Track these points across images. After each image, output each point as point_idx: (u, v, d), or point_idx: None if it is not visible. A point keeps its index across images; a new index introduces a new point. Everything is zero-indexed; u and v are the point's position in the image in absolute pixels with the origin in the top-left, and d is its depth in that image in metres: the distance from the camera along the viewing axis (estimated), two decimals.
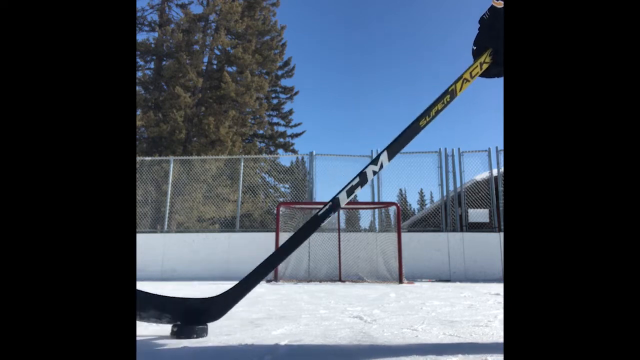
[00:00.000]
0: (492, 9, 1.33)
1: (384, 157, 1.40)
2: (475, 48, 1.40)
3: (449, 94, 1.35)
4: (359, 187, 1.41)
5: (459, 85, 1.36)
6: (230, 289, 1.43)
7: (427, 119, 1.35)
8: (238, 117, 16.33)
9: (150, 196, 8.84)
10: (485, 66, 1.39)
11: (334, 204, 1.41)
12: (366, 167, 1.40)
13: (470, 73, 1.38)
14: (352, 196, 1.42)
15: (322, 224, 1.45)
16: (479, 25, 1.40)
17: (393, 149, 1.39)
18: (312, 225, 1.42)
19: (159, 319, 1.41)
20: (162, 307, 1.39)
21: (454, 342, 1.35)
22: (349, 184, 1.40)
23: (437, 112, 1.35)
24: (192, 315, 1.42)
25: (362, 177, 1.41)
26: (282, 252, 1.45)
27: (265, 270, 1.43)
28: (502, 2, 1.28)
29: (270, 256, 1.44)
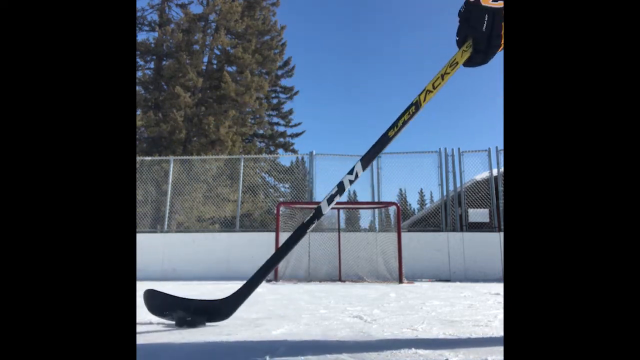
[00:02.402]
0: (467, 2, 1.43)
1: (358, 167, 1.54)
2: (457, 39, 1.52)
3: (414, 106, 1.49)
4: (338, 196, 1.55)
5: (422, 96, 1.49)
6: (237, 290, 1.67)
7: (395, 129, 1.49)
8: (238, 117, 16.34)
9: (150, 196, 8.84)
10: (465, 54, 1.49)
11: (317, 213, 1.55)
12: (343, 177, 1.56)
13: (433, 84, 1.51)
14: (333, 204, 1.55)
15: (312, 227, 1.60)
16: (459, 19, 1.50)
17: (366, 158, 1.53)
18: (300, 232, 1.55)
19: (184, 318, 1.67)
20: (188, 309, 1.69)
21: (454, 342, 1.35)
22: (329, 194, 1.55)
23: (404, 123, 1.49)
24: (212, 314, 1.72)
25: (340, 187, 1.55)
26: (277, 256, 1.60)
27: (264, 273, 1.59)
28: None
29: (269, 259, 1.59)
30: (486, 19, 1.39)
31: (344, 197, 9.63)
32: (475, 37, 1.46)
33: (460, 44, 1.51)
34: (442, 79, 1.51)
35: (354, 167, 1.54)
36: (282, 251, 1.58)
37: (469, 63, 1.52)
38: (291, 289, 4.40)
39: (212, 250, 7.60)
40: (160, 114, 15.38)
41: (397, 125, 1.50)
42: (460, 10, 1.49)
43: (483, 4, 1.36)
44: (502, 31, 1.38)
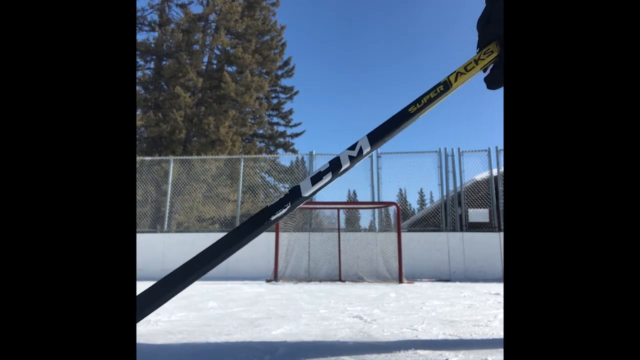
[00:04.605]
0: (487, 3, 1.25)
1: (363, 142, 1.13)
2: (478, 50, 1.30)
3: (442, 85, 1.21)
4: (330, 175, 1.11)
5: (452, 77, 1.23)
6: (154, 285, 1.03)
7: (418, 106, 1.18)
8: (238, 117, 16.34)
9: (150, 196, 8.84)
10: (487, 57, 1.24)
11: (293, 193, 1.10)
12: (341, 152, 1.14)
13: (465, 67, 1.25)
14: (320, 185, 1.11)
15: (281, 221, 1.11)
16: (477, 27, 1.30)
17: (376, 135, 1.15)
18: (261, 219, 1.04)
19: None
20: None
21: (454, 342, 1.35)
22: (317, 170, 1.12)
23: (430, 100, 1.19)
24: None
25: (334, 163, 1.12)
26: (218, 249, 1.07)
27: (195, 274, 1.05)
28: None
29: (201, 253, 1.09)
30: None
31: (343, 197, 9.62)
32: (500, 33, 1.21)
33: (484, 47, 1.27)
34: (476, 64, 1.24)
35: (357, 142, 1.14)
36: (228, 241, 1.07)
37: (493, 76, 1.26)
38: (291, 289, 4.40)
39: None
40: (160, 114, 15.38)
41: (420, 102, 1.18)
42: (479, 19, 1.29)
43: None
44: None
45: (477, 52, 1.26)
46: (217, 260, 1.06)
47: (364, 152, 1.12)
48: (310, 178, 1.11)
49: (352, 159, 1.12)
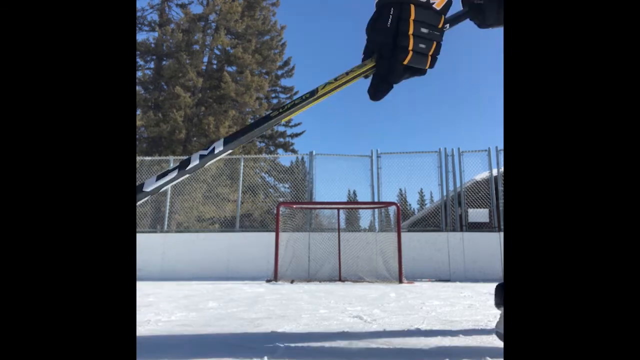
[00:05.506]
0: (376, 5, 1.13)
1: (217, 143, 1.10)
2: (363, 57, 1.19)
3: (309, 92, 1.16)
4: (175, 171, 1.08)
5: (321, 86, 1.16)
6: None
7: (280, 111, 1.14)
8: (238, 117, 16.34)
9: (150, 196, 8.84)
10: (359, 69, 1.16)
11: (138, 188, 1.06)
12: (194, 153, 1.12)
13: (335, 78, 1.17)
14: (162, 181, 1.05)
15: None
16: (366, 33, 1.17)
17: (231, 137, 1.13)
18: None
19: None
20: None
21: (454, 342, 1.35)
22: (165, 170, 1.10)
23: (293, 105, 1.15)
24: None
25: (183, 164, 1.08)
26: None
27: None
28: None
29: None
30: (392, 12, 1.06)
31: (343, 197, 9.62)
32: (381, 44, 1.10)
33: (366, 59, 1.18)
34: (347, 75, 1.16)
35: (212, 144, 1.09)
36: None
37: (376, 84, 1.14)
38: (291, 289, 4.40)
39: (211, 250, 7.60)
40: (160, 114, 15.38)
41: (283, 107, 1.16)
42: (367, 24, 1.15)
43: None
44: (410, 30, 1.04)
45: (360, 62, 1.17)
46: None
47: (216, 152, 1.09)
48: (157, 176, 1.08)
49: (203, 157, 1.10)
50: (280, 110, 1.13)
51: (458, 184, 8.02)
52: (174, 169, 1.08)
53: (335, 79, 1.17)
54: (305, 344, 1.35)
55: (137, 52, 16.29)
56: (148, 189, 1.08)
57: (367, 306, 2.57)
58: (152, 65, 17.00)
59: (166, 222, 8.28)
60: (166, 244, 7.79)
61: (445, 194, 8.02)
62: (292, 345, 1.33)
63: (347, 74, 1.17)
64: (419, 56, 1.08)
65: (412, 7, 1.03)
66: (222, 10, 16.63)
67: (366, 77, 1.17)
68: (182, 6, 17.48)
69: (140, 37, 17.38)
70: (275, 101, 20.67)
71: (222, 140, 1.12)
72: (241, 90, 16.16)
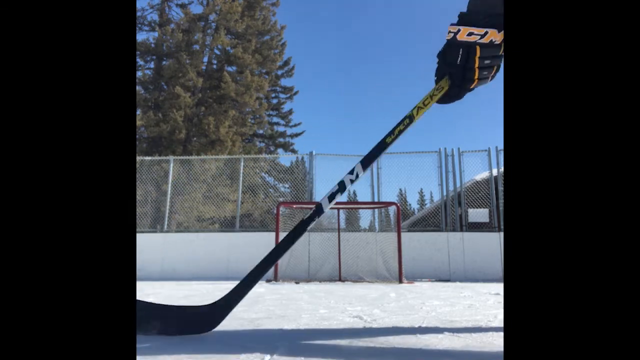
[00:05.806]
0: (446, 42, 1.46)
1: (358, 169, 1.60)
2: (436, 78, 1.56)
3: (407, 118, 1.57)
4: (339, 194, 1.57)
5: (415, 111, 1.57)
6: (229, 293, 1.46)
7: (392, 137, 1.57)
8: (238, 117, 16.34)
9: (150, 196, 8.84)
10: (439, 92, 1.54)
11: (318, 210, 1.57)
12: (344, 176, 1.61)
13: (424, 102, 1.56)
14: (333, 203, 1.58)
15: (310, 226, 1.60)
16: (437, 59, 1.53)
17: (366, 161, 1.60)
18: (300, 229, 1.55)
19: (160, 331, 1.44)
20: (164, 319, 1.43)
21: (454, 342, 1.35)
22: (330, 191, 1.59)
23: (400, 132, 1.57)
24: (195, 323, 1.47)
25: (341, 185, 1.59)
26: (274, 255, 1.55)
27: (260, 273, 1.50)
28: (452, 34, 1.39)
29: (264, 259, 1.52)
30: (461, 52, 1.40)
31: (344, 197, 9.63)
32: (451, 72, 1.48)
33: (438, 82, 1.56)
34: (431, 99, 1.55)
35: (354, 168, 1.60)
36: (279, 249, 1.54)
37: (444, 98, 1.55)
38: (291, 289, 4.40)
39: (211, 250, 7.60)
40: (160, 114, 15.38)
41: (393, 133, 1.57)
42: (439, 51, 1.51)
43: (459, 39, 1.38)
44: (476, 65, 1.39)
45: (434, 87, 1.56)
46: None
47: (360, 176, 1.58)
48: (327, 197, 1.58)
49: (352, 181, 1.58)
50: (392, 137, 1.56)
51: (458, 184, 8.02)
52: (336, 192, 1.55)
53: (424, 104, 1.54)
54: (306, 344, 1.35)
55: (137, 52, 16.29)
56: (326, 209, 1.56)
57: (367, 306, 2.57)
58: (152, 65, 16.99)
59: (166, 222, 8.27)
60: (166, 244, 7.79)
61: (445, 194, 8.02)
62: (292, 345, 1.33)
63: (430, 97, 1.54)
64: (482, 80, 1.45)
65: (478, 48, 1.36)
66: (222, 10, 16.62)
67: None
68: (182, 6, 17.48)
69: (140, 37, 17.38)
70: (275, 101, 20.66)
71: (360, 165, 1.56)
72: (241, 90, 16.15)
